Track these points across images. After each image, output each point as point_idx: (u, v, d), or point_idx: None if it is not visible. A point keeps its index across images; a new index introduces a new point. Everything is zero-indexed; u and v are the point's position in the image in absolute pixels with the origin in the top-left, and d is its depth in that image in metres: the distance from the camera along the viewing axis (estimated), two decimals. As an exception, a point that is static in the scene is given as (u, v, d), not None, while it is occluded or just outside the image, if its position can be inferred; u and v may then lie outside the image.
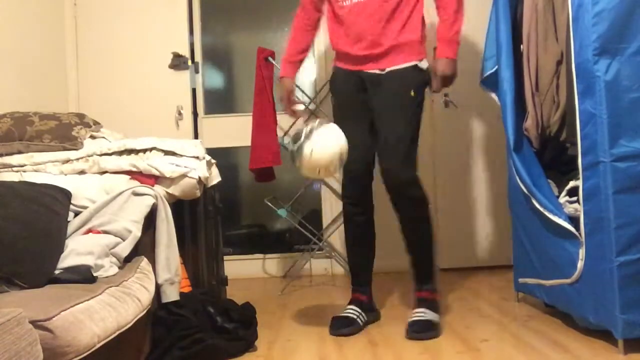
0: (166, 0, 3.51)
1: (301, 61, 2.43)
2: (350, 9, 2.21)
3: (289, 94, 2.39)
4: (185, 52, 3.48)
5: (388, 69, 2.20)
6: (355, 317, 2.25)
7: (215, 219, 2.53)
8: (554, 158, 2.24)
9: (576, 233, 1.94)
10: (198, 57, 3.57)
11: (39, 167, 2.13)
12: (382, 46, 2.19)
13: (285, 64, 2.42)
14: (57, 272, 1.54)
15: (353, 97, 2.27)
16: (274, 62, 3.11)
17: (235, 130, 3.51)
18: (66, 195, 1.84)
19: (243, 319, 2.08)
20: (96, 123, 2.40)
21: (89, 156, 2.17)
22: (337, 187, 3.52)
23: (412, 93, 2.17)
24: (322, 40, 3.55)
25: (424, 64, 2.22)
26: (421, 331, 2.10)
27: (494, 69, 2.39)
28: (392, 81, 2.19)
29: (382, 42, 2.19)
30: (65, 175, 2.13)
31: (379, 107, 2.21)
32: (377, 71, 2.21)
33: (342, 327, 2.20)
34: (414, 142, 2.19)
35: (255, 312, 2.16)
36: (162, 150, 2.18)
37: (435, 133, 3.37)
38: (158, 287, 1.92)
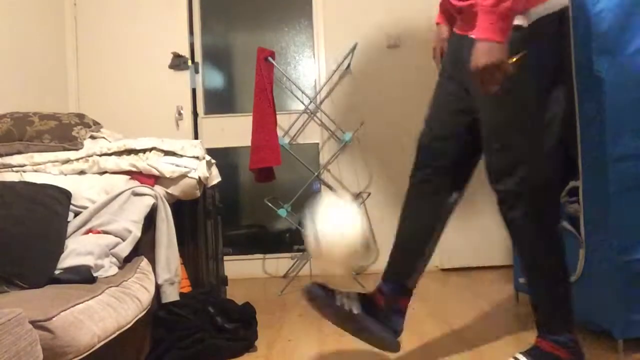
0: (166, 0, 3.51)
1: None
2: None
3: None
4: (185, 52, 3.49)
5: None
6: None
7: (215, 219, 2.53)
8: (554, 158, 2.24)
9: (576, 233, 1.94)
10: (198, 57, 3.57)
11: (39, 167, 2.14)
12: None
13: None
14: (57, 272, 1.54)
15: None
16: (273, 62, 3.11)
17: (235, 130, 3.51)
18: (66, 195, 1.84)
19: (243, 319, 2.08)
20: (96, 123, 2.40)
21: (89, 156, 2.17)
22: (338, 186, 3.52)
23: (512, 59, 1.57)
24: (322, 39, 3.56)
25: (525, 19, 1.58)
26: None
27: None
28: None
29: None
30: (65, 175, 2.13)
31: None
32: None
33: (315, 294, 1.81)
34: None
35: (255, 312, 2.16)
36: (162, 151, 2.18)
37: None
38: (158, 287, 1.92)
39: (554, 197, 1.74)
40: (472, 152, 1.79)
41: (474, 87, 1.61)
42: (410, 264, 1.83)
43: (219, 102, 3.71)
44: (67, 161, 2.16)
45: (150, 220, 1.94)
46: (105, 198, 1.93)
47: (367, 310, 1.75)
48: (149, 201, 1.94)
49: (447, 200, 1.85)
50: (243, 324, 2.06)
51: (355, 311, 1.74)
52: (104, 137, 2.30)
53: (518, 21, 1.58)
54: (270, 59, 3.10)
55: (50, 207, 1.69)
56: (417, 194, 1.88)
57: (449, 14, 1.88)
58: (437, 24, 1.97)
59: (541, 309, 1.72)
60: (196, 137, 3.53)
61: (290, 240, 3.66)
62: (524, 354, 1.71)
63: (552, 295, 1.69)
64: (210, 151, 2.48)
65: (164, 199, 2.03)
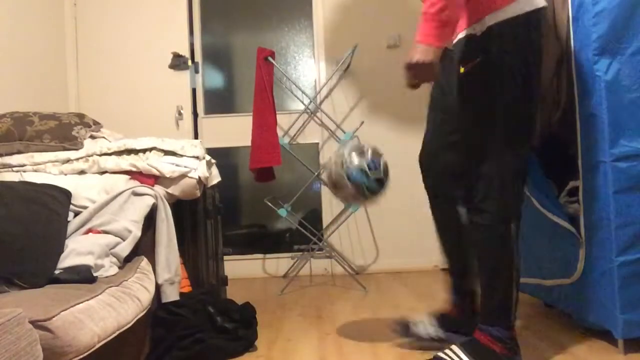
0: (166, 0, 3.51)
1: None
2: None
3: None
4: (185, 52, 3.49)
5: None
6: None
7: (215, 219, 2.53)
8: (554, 158, 2.24)
9: (576, 233, 1.94)
10: (198, 57, 3.57)
11: (39, 167, 2.13)
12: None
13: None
14: (57, 272, 1.54)
15: None
16: (273, 62, 3.11)
17: (235, 130, 3.51)
18: (66, 195, 1.84)
19: (243, 319, 2.08)
20: (96, 123, 2.40)
21: (89, 156, 2.17)
22: (337, 187, 3.52)
23: (462, 69, 1.70)
24: (322, 39, 3.56)
25: (479, 27, 1.64)
26: None
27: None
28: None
29: None
30: (65, 175, 2.13)
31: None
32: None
33: (399, 330, 2.01)
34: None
35: (255, 312, 2.16)
36: (162, 150, 2.18)
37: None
38: (158, 287, 1.92)
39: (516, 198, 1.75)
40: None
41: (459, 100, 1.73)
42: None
43: (219, 102, 3.71)
44: (67, 161, 2.16)
45: (150, 220, 1.94)
46: (105, 198, 1.92)
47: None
48: (149, 201, 1.94)
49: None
50: (243, 324, 2.06)
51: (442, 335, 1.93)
52: (104, 137, 2.30)
53: (471, 30, 1.68)
54: (270, 58, 3.10)
55: (50, 207, 1.69)
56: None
57: None
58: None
59: (483, 302, 1.77)
60: (196, 137, 3.53)
61: (290, 240, 3.66)
62: (460, 346, 1.74)
63: (494, 288, 1.73)
64: (210, 151, 2.48)
65: (164, 198, 2.03)
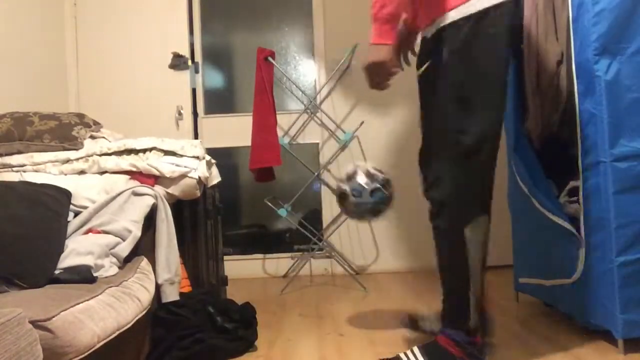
0: (166, 0, 3.51)
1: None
2: None
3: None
4: (185, 52, 3.49)
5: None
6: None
7: (215, 219, 2.53)
8: (554, 158, 2.24)
9: (576, 233, 1.94)
10: (198, 57, 3.57)
11: (39, 167, 2.14)
12: None
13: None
14: (57, 272, 1.54)
15: None
16: (273, 62, 3.11)
17: (235, 130, 3.51)
18: (66, 195, 1.84)
19: (243, 319, 2.08)
20: (96, 123, 2.40)
21: (89, 156, 2.17)
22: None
23: (419, 71, 1.75)
24: (322, 39, 3.56)
25: (430, 29, 1.64)
26: None
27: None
28: None
29: None
30: (65, 175, 2.13)
31: None
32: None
33: (407, 324, 2.06)
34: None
35: (255, 312, 2.16)
36: (162, 150, 2.18)
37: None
38: (158, 287, 1.92)
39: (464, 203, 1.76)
40: None
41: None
42: None
43: (219, 102, 3.71)
44: (67, 161, 2.16)
45: (150, 220, 1.94)
46: (105, 198, 1.93)
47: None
48: (149, 201, 1.94)
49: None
50: (243, 324, 2.06)
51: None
52: (104, 137, 2.30)
53: (424, 33, 1.70)
54: (270, 58, 3.10)
55: (50, 207, 1.69)
56: None
57: None
58: None
59: (444, 304, 1.77)
60: (196, 137, 3.53)
61: (290, 240, 3.66)
62: (420, 347, 1.74)
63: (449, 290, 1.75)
64: (210, 151, 2.48)
65: (164, 199, 2.04)
